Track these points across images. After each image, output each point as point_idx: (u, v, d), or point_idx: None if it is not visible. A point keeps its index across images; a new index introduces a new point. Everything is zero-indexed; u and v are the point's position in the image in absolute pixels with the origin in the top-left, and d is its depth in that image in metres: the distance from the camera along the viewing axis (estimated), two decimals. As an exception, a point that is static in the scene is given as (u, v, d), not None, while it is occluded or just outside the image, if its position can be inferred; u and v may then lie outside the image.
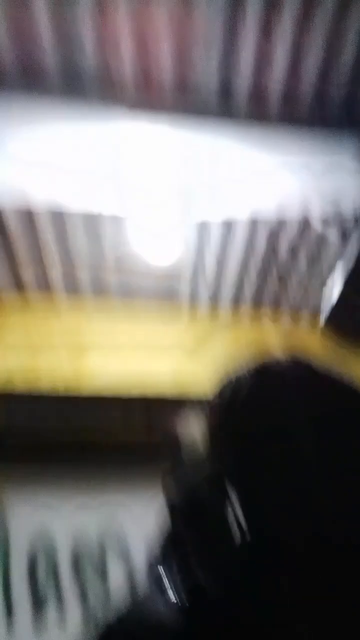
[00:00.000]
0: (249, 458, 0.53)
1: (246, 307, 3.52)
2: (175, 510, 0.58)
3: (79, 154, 2.22)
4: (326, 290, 3.22)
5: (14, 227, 2.73)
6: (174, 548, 0.57)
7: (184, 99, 2.25)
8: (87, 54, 2.15)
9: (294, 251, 3.11)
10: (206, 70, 2.23)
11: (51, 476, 3.40)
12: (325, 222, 2.71)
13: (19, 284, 3.10)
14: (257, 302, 3.50)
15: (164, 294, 3.39)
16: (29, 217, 2.69)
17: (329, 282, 3.20)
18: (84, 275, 3.15)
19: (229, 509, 0.50)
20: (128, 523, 3.43)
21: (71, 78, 2.18)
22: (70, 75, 2.18)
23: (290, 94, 2.29)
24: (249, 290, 3.42)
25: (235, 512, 0.49)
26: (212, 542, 0.51)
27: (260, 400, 0.57)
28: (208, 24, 2.08)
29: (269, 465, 0.52)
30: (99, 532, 3.45)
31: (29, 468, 3.38)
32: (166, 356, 3.29)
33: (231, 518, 0.49)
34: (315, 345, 3.04)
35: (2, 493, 3.39)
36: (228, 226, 2.91)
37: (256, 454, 0.53)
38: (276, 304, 3.50)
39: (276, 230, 2.98)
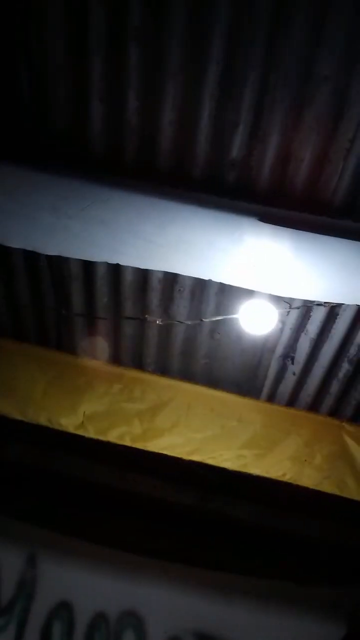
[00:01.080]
0: None
1: (328, 401, 3.39)
2: None
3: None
4: None
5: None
6: None
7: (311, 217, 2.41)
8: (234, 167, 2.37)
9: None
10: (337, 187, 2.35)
11: (84, 550, 3.47)
12: None
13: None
14: (342, 401, 3.36)
15: (246, 377, 3.35)
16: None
17: None
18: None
19: None
20: (149, 608, 3.44)
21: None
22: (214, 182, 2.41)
23: None
24: (335, 387, 3.30)
25: None
26: None
27: None
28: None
29: None
30: (119, 612, 3.46)
31: (65, 537, 3.47)
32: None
33: None
34: None
35: (37, 555, 3.47)
36: (330, 314, 2.91)
37: None
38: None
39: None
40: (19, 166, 2.32)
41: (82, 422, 3.17)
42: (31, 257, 2.84)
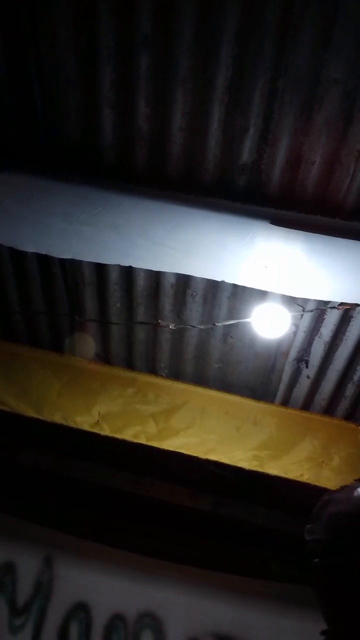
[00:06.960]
0: None
1: (344, 405, 3.35)
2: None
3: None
4: None
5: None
6: None
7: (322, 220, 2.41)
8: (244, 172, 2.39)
9: None
10: (349, 189, 2.35)
11: (100, 552, 3.44)
12: None
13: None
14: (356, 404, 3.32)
15: (260, 381, 3.34)
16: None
17: None
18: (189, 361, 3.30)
19: None
20: (167, 610, 3.39)
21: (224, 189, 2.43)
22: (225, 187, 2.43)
23: None
24: (350, 390, 3.26)
25: None
26: None
27: None
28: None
29: None
30: (137, 614, 3.41)
31: (82, 540, 3.44)
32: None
33: None
34: None
35: (53, 557, 3.46)
36: (344, 317, 2.89)
37: None
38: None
39: None
40: (31, 174, 2.36)
41: (97, 420, 3.19)
42: (45, 265, 2.89)
